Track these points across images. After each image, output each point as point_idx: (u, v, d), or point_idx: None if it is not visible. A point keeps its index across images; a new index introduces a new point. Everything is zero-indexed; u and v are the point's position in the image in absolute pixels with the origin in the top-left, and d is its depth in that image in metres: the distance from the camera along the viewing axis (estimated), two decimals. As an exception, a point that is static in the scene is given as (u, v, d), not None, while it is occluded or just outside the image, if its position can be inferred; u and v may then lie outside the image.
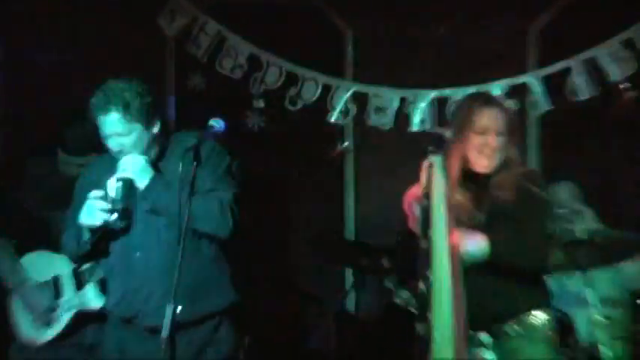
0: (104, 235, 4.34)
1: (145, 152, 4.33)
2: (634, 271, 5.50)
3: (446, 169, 4.07)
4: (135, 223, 4.36)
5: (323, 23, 6.53)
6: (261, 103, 6.53)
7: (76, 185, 4.50)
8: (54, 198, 5.06)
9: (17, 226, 5.15)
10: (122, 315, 4.39)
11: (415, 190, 4.24)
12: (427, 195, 4.08)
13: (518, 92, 6.21)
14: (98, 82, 5.70)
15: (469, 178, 4.22)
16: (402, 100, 6.39)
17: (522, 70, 6.28)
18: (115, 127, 4.25)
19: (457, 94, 6.28)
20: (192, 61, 6.55)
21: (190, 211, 4.02)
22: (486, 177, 4.24)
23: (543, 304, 4.21)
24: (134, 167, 4.26)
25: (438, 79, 6.35)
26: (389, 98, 6.39)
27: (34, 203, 5.25)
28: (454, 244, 4.02)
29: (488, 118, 4.17)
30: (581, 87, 6.14)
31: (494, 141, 4.19)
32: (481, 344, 4.19)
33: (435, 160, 4.08)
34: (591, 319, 4.84)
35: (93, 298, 4.86)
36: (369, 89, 6.42)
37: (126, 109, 4.23)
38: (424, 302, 3.99)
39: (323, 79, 6.45)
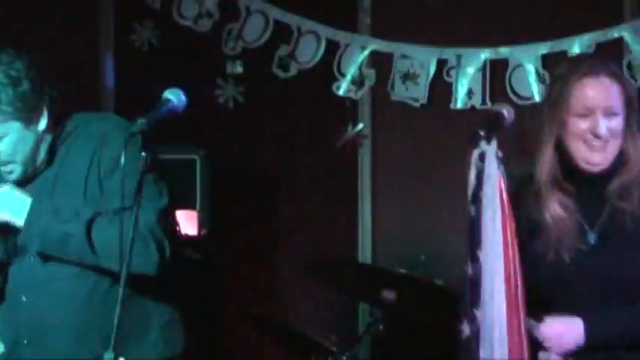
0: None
1: (31, 157, 4.40)
2: None
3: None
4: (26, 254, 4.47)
5: (327, -49, 6.64)
6: (237, 68, 6.61)
7: None
8: None
9: None
10: None
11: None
12: (475, 199, 4.15)
13: (610, 51, 6.28)
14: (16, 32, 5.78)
15: (574, 180, 4.25)
16: (441, 63, 6.48)
17: (615, 21, 6.36)
18: None
19: (520, 54, 6.36)
20: (139, 6, 6.66)
21: (95, 242, 4.18)
22: (601, 178, 4.26)
23: None
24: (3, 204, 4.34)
25: (493, 34, 6.45)
26: (422, 61, 6.48)
27: None
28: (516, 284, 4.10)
29: (594, 93, 4.14)
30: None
31: (604, 126, 4.20)
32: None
33: (488, 148, 4.15)
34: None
35: None
36: (394, 47, 6.51)
37: None
38: (470, 352, 4.07)
39: (327, 32, 6.54)
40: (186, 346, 5.90)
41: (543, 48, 6.36)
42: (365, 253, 6.57)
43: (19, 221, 4.29)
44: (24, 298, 4.44)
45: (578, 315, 4.13)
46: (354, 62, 6.53)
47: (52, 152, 4.44)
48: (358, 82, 6.54)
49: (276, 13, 6.54)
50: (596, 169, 4.16)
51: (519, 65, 6.39)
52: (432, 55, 6.46)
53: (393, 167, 6.59)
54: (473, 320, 4.05)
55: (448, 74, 6.46)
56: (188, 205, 6.32)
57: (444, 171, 6.16)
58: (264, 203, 6.66)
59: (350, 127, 6.57)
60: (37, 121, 4.34)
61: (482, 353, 4.03)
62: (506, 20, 6.45)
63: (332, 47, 6.53)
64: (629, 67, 6.12)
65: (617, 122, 4.14)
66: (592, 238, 4.21)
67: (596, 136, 4.12)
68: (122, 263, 4.06)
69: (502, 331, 4.06)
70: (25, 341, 4.46)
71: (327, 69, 6.54)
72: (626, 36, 6.28)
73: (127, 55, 6.66)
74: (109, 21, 6.67)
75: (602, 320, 4.14)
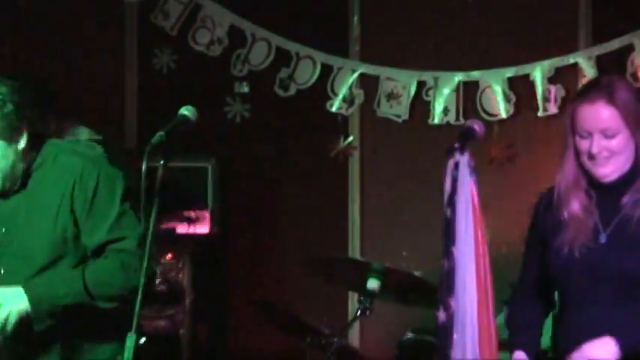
0: None
1: (10, 173, 4.27)
2: None
3: (474, 172, 4.12)
4: None
5: (322, -12, 6.63)
6: (244, 88, 6.60)
7: None
8: None
9: None
10: None
11: None
12: (451, 203, 4.14)
13: (567, 76, 6.27)
14: (47, 57, 5.78)
15: (595, 187, 4.17)
16: (421, 84, 6.46)
17: (571, 49, 6.35)
18: None
19: (489, 77, 6.35)
20: (159, 34, 6.64)
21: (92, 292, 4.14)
22: (617, 187, 4.20)
23: None
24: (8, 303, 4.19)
25: (466, 60, 6.43)
26: (404, 82, 6.47)
27: None
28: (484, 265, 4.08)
29: (590, 118, 4.07)
30: (645, 70, 6.24)
31: (599, 146, 4.09)
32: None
33: (461, 158, 4.14)
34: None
35: None
36: (380, 71, 6.50)
37: None
38: (445, 334, 4.06)
39: (322, 57, 6.53)
40: (201, 326, 5.92)
41: (509, 72, 6.35)
42: (354, 249, 6.56)
43: (26, 306, 4.18)
44: None
45: (591, 312, 4.12)
46: (345, 83, 6.51)
47: (27, 175, 4.30)
48: (349, 100, 6.53)
49: (277, 40, 6.53)
50: (605, 180, 4.12)
51: (488, 87, 6.38)
52: (413, 78, 6.45)
53: (378, 175, 6.58)
54: (448, 307, 4.03)
55: (427, 94, 6.45)
56: (201, 206, 6.32)
57: (423, 178, 6.15)
58: (267, 205, 6.64)
59: (341, 140, 6.57)
60: (18, 141, 4.23)
61: (456, 336, 4.03)
62: (477, 48, 6.44)
63: (326, 70, 6.51)
64: (580, 92, 6.12)
65: (617, 141, 4.07)
66: (603, 238, 4.18)
67: (590, 155, 4.07)
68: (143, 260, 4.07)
69: (473, 316, 4.05)
70: None
71: (322, 89, 6.53)
72: (581, 62, 6.28)
73: (148, 77, 6.64)
74: (133, 47, 6.65)
75: (631, 333, 4.09)
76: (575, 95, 4.23)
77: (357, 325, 6.09)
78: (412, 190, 6.36)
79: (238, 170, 6.59)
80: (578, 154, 4.13)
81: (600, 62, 6.24)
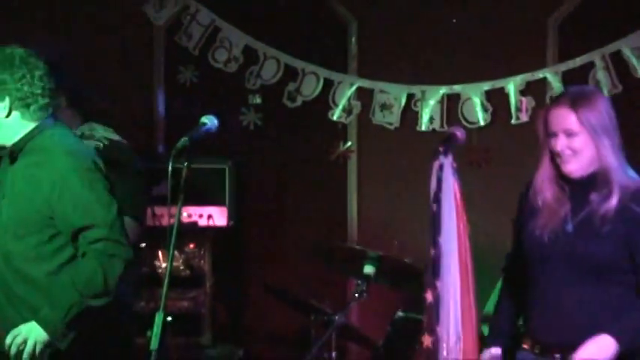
0: None
1: None
2: None
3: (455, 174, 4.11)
4: None
5: (325, 12, 6.59)
6: (257, 100, 6.58)
7: None
8: None
9: None
10: None
11: None
12: (437, 199, 4.12)
13: (536, 89, 6.25)
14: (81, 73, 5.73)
15: (569, 182, 4.16)
16: (410, 96, 6.44)
17: (540, 65, 6.33)
18: None
19: (469, 90, 6.34)
20: (183, 53, 6.61)
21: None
22: (586, 183, 4.15)
23: None
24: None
25: (449, 75, 6.41)
26: (395, 95, 6.45)
27: None
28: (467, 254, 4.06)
29: (555, 120, 4.09)
30: (605, 83, 6.20)
31: (562, 144, 4.09)
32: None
33: (445, 160, 4.12)
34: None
35: None
36: (374, 85, 6.48)
37: None
38: (432, 313, 4.04)
39: (324, 73, 6.51)
40: (219, 306, 5.89)
41: (486, 86, 6.35)
42: (352, 239, 6.55)
43: (44, 335, 4.10)
44: None
45: (562, 296, 4.10)
46: (345, 95, 6.50)
47: (19, 150, 4.22)
48: (347, 110, 6.52)
49: (286, 58, 6.51)
50: (571, 175, 4.12)
51: (468, 99, 6.37)
52: (403, 91, 6.44)
53: (373, 175, 6.57)
54: (434, 289, 4.02)
55: (415, 105, 6.44)
56: (219, 203, 6.30)
57: (412, 177, 6.13)
58: (277, 201, 6.63)
59: (341, 144, 6.55)
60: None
61: (441, 313, 4.02)
62: (459, 65, 6.43)
63: (328, 84, 6.50)
64: (551, 100, 6.10)
65: (578, 140, 4.08)
66: (570, 227, 4.17)
67: (557, 153, 4.09)
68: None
69: (456, 296, 4.03)
70: None
71: (324, 100, 6.51)
72: (549, 76, 6.28)
73: (173, 90, 6.63)
74: (160, 64, 6.64)
75: (624, 327, 4.04)
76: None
77: (354, 306, 6.08)
78: (403, 188, 6.35)
79: (252, 171, 6.58)
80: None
81: (565, 77, 6.23)
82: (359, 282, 5.50)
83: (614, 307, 4.06)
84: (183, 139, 4.26)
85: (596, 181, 4.08)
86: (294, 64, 6.51)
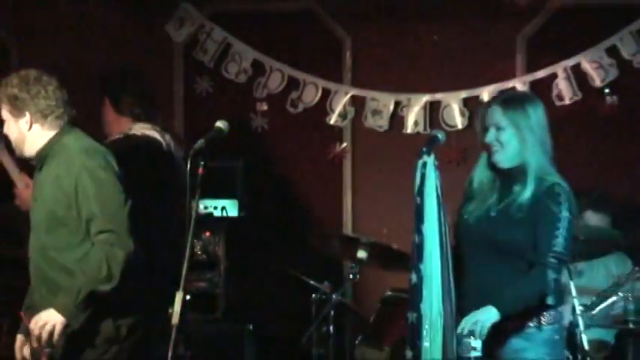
0: None
1: (18, 145, 4.25)
2: (613, 263, 5.59)
3: (437, 167, 4.11)
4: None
5: (323, 30, 6.57)
6: (264, 106, 6.57)
7: None
8: None
9: None
10: None
11: None
12: (421, 193, 4.12)
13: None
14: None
15: (499, 172, 4.17)
16: (397, 103, 6.44)
17: (511, 76, 6.33)
18: None
19: (449, 98, 6.34)
20: (199, 66, 6.61)
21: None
22: (512, 175, 4.19)
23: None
24: None
25: (431, 84, 6.40)
26: (384, 102, 6.45)
27: None
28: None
29: (488, 114, 4.11)
30: (566, 91, 6.20)
31: (491, 136, 4.12)
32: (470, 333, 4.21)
33: (428, 159, 4.12)
34: (573, 308, 4.88)
35: None
36: (366, 93, 6.47)
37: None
38: (416, 292, 4.04)
39: (322, 83, 6.50)
40: (232, 287, 5.88)
41: (464, 94, 6.35)
42: (347, 228, 6.54)
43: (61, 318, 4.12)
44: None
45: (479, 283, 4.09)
46: (340, 102, 6.49)
47: (44, 156, 4.25)
48: (343, 115, 6.51)
49: (289, 71, 6.50)
50: (500, 165, 4.14)
51: (448, 105, 6.37)
52: (391, 98, 6.43)
53: (365, 171, 6.56)
54: (418, 271, 4.02)
55: (402, 110, 6.43)
56: (232, 196, 6.29)
57: (399, 174, 6.12)
58: (281, 195, 6.63)
59: (337, 145, 6.55)
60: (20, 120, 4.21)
61: (424, 292, 4.02)
62: (440, 76, 6.43)
63: (326, 93, 6.49)
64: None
65: (504, 134, 4.12)
66: (493, 212, 4.17)
67: (487, 144, 4.12)
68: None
69: (437, 277, 4.04)
70: None
71: (323, 107, 6.50)
72: (517, 86, 6.27)
73: (191, 99, 6.63)
74: (180, 76, 6.64)
75: (504, 296, 4.03)
76: None
77: (349, 286, 6.08)
78: (391, 183, 6.35)
79: (260, 169, 6.57)
80: None
81: (532, 86, 6.23)
82: (353, 265, 5.51)
83: None
84: (200, 142, 4.26)
85: (519, 173, 4.10)
86: (296, 75, 6.50)
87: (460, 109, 6.33)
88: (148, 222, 4.59)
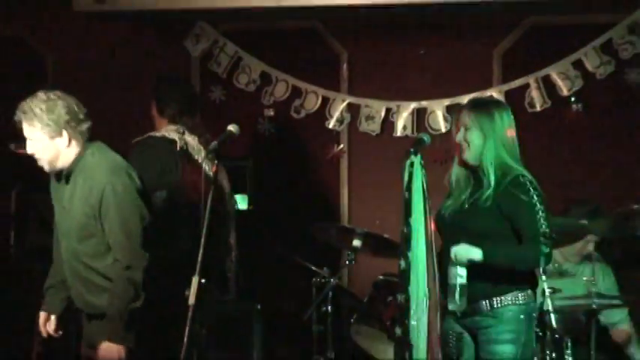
0: None
1: (52, 161, 4.20)
2: (601, 276, 5.54)
3: (423, 166, 4.09)
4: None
5: (322, 46, 6.56)
6: (271, 112, 6.56)
7: None
8: None
9: None
10: None
11: None
12: (408, 189, 4.11)
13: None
14: (136, 93, 5.75)
15: (472, 169, 4.19)
16: (388, 110, 6.42)
17: (488, 86, 6.31)
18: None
19: (433, 105, 6.33)
20: (213, 77, 6.59)
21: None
22: (474, 170, 4.18)
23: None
24: None
25: (418, 93, 6.39)
26: (377, 109, 6.43)
27: None
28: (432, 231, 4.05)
29: (460, 116, 4.15)
30: (537, 99, 6.19)
31: (460, 136, 4.16)
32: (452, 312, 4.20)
33: (415, 159, 4.10)
34: (541, 290, 4.86)
35: None
36: (360, 101, 6.46)
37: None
38: (404, 276, 4.03)
39: (322, 92, 6.48)
40: (242, 271, 5.86)
41: (447, 101, 6.33)
42: (344, 219, 6.53)
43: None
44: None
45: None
46: (338, 109, 6.48)
47: (70, 169, 4.21)
48: (340, 120, 6.50)
49: (293, 81, 6.49)
50: (469, 162, 4.17)
51: (433, 111, 6.36)
52: (382, 105, 6.42)
53: (360, 169, 6.55)
54: (406, 258, 4.01)
55: (392, 116, 6.42)
56: (242, 191, 6.28)
57: (390, 172, 6.11)
58: (286, 190, 6.62)
59: (335, 147, 6.54)
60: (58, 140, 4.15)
61: (411, 277, 4.00)
62: (425, 86, 6.42)
63: (325, 100, 6.47)
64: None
65: (469, 134, 4.14)
66: (466, 205, 4.18)
67: (457, 142, 4.12)
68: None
69: (423, 263, 4.03)
70: None
71: (322, 113, 6.48)
72: (494, 94, 6.23)
73: (206, 106, 6.58)
74: (196, 85, 6.59)
75: (497, 248, 4.06)
76: None
77: (346, 271, 6.08)
78: (383, 180, 6.34)
79: (267, 167, 6.57)
80: None
81: (507, 95, 6.21)
82: (349, 252, 5.50)
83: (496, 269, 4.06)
84: (214, 144, 4.25)
85: (484, 168, 4.09)
86: (299, 85, 6.48)
87: (443, 115, 6.32)
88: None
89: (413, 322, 3.96)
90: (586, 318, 5.04)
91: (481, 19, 6.26)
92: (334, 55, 6.55)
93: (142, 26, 6.51)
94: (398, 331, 4.04)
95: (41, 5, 6.32)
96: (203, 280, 4.10)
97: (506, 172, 4.10)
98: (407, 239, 4.03)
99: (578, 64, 6.16)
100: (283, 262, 6.08)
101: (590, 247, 5.46)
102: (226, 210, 5.44)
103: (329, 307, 5.52)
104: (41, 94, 4.16)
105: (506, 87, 6.26)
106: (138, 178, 4.27)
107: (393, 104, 6.40)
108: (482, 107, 4.19)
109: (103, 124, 6.29)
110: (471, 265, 4.03)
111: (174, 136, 5.17)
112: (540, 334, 4.71)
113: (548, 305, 4.79)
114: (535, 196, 4.04)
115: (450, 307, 4.06)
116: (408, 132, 6.35)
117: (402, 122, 6.37)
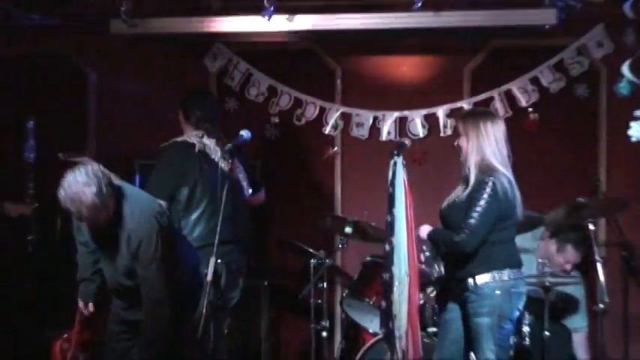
0: None
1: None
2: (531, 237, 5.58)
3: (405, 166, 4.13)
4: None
5: (319, 63, 6.57)
6: (276, 120, 6.57)
7: None
8: None
9: None
10: None
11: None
12: (392, 185, 4.14)
13: (456, 113, 6.26)
14: (164, 104, 5.74)
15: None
16: (375, 118, 6.44)
17: (459, 98, 6.34)
18: None
19: (413, 114, 6.36)
20: (228, 90, 6.59)
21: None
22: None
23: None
24: None
25: (400, 104, 6.40)
26: (366, 117, 6.45)
27: None
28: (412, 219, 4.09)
29: (457, 125, 4.25)
30: (500, 110, 6.22)
31: (457, 140, 4.20)
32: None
33: (398, 159, 4.14)
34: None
35: None
36: (352, 110, 6.47)
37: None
38: (389, 258, 4.07)
39: (319, 102, 6.49)
40: (251, 254, 5.87)
41: (424, 111, 6.36)
42: (337, 210, 6.53)
43: None
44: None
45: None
46: (333, 117, 6.49)
47: (114, 223, 4.11)
48: (335, 126, 6.51)
49: (295, 93, 6.49)
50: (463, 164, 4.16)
51: (413, 119, 6.38)
52: (370, 114, 6.43)
53: (351, 169, 6.55)
54: (390, 243, 4.06)
55: (378, 123, 6.43)
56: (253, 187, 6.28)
57: (377, 171, 6.12)
58: (289, 185, 6.61)
59: (330, 149, 6.54)
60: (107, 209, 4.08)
61: (394, 259, 4.04)
62: (407, 98, 6.43)
63: (322, 109, 6.48)
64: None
65: (461, 140, 4.15)
66: (455, 200, 4.21)
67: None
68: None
69: (404, 248, 4.07)
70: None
71: (320, 120, 6.49)
72: (465, 106, 6.28)
73: (222, 115, 6.42)
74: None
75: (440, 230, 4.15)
76: None
77: (339, 253, 6.10)
78: (370, 177, 6.36)
79: (274, 166, 6.58)
80: None
81: (475, 106, 6.20)
82: (342, 238, 5.54)
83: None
84: (229, 145, 4.32)
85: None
86: (300, 97, 6.49)
87: (422, 123, 6.34)
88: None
89: (395, 297, 4.01)
90: (543, 293, 5.08)
91: (454, 42, 6.29)
92: (330, 71, 6.57)
93: (168, 47, 6.51)
94: (383, 304, 4.09)
95: (85, 28, 6.32)
96: (219, 261, 4.13)
97: (485, 173, 4.12)
98: (391, 226, 4.08)
99: (534, 81, 6.20)
100: (286, 245, 6.11)
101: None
102: (243, 199, 5.42)
103: (324, 284, 5.57)
104: (86, 176, 4.01)
105: (474, 99, 6.29)
106: (166, 219, 4.24)
107: (379, 113, 6.42)
108: (470, 117, 4.25)
109: (137, 130, 6.43)
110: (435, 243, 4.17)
111: (194, 140, 5.21)
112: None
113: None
114: (482, 198, 4.04)
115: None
116: (392, 137, 6.37)
117: (386, 128, 6.40)
